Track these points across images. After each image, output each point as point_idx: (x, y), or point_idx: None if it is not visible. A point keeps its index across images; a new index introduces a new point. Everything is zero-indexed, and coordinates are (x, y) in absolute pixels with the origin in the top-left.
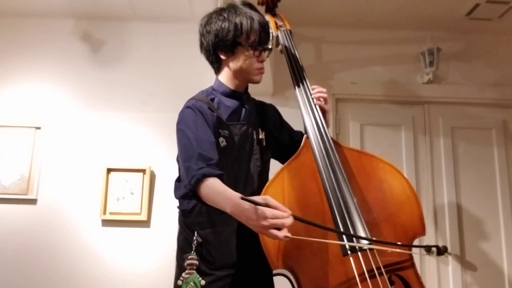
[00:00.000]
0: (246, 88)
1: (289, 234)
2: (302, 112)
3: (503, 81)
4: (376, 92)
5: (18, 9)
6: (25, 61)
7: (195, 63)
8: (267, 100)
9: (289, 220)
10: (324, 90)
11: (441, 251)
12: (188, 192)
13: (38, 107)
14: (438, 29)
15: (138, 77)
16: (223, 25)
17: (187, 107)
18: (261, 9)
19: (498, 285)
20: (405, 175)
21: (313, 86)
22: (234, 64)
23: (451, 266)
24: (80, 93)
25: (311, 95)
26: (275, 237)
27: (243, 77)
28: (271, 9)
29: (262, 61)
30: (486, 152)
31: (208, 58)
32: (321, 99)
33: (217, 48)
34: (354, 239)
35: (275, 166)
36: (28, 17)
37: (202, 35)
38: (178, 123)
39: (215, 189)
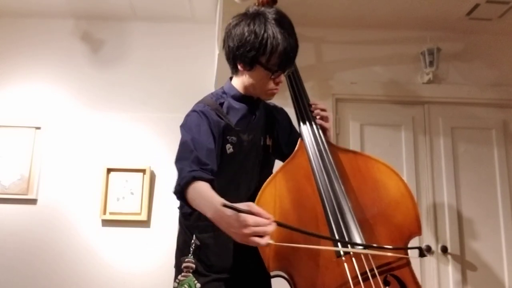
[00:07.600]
0: None
1: (271, 241)
2: (297, 115)
3: (503, 81)
4: (376, 92)
5: (18, 9)
6: (25, 61)
7: (195, 63)
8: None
9: (271, 227)
10: (325, 108)
11: (423, 253)
12: (175, 193)
13: (38, 107)
14: (438, 29)
15: (138, 77)
16: (248, 38)
17: (193, 110)
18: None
19: (498, 285)
20: (400, 175)
21: (312, 102)
22: (248, 79)
23: (451, 266)
24: (80, 93)
25: (308, 103)
26: (257, 245)
27: (254, 92)
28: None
29: (278, 83)
30: (486, 152)
31: (227, 59)
32: (324, 118)
33: (236, 58)
34: (339, 243)
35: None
36: (28, 17)
37: (227, 35)
38: (182, 126)
39: (201, 193)
